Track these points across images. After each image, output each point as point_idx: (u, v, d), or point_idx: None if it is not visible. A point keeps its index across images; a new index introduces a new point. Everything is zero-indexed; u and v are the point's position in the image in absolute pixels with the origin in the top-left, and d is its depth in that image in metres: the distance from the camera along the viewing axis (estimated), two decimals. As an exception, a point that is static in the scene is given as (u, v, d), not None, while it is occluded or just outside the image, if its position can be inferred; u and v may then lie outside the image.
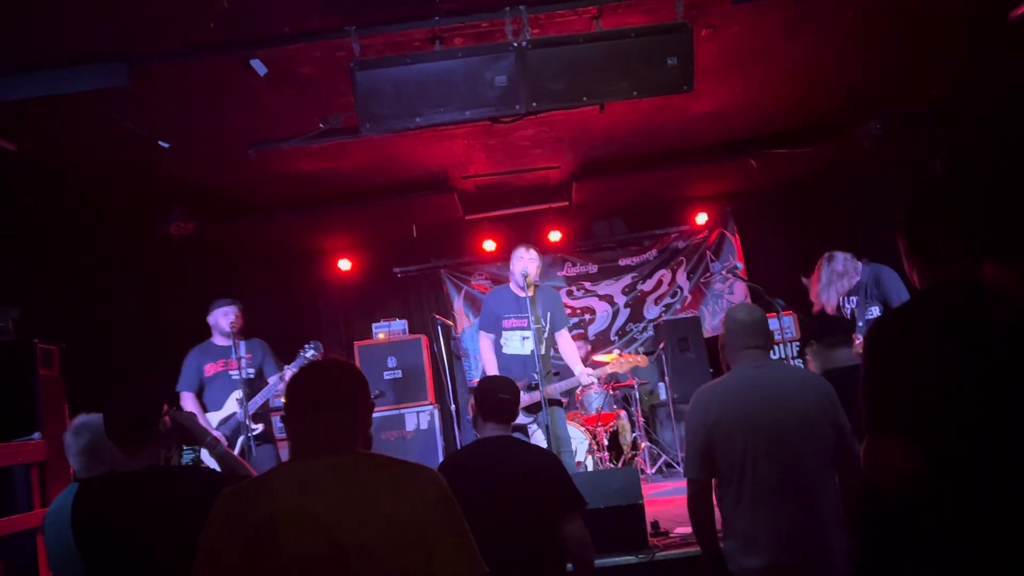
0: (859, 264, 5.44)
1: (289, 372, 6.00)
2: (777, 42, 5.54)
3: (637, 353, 6.40)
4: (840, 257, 5.45)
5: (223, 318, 6.11)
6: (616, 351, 9.31)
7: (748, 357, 3.40)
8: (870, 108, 6.96)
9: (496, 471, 3.43)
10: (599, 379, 6.27)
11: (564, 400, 6.19)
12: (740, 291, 9.57)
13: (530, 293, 5.79)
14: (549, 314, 5.98)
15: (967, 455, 2.06)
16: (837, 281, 5.43)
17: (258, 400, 5.91)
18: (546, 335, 5.94)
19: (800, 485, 3.17)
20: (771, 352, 3.49)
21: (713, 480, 3.36)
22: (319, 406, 2.14)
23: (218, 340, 6.19)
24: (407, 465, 2.15)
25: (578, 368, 6.13)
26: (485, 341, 6.22)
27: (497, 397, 3.64)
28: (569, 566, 3.54)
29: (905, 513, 3.38)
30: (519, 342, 6.00)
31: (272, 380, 6.05)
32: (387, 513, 1.99)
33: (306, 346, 6.07)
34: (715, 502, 3.40)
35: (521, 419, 5.86)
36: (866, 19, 5.27)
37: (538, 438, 5.84)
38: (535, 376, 5.67)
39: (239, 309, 6.14)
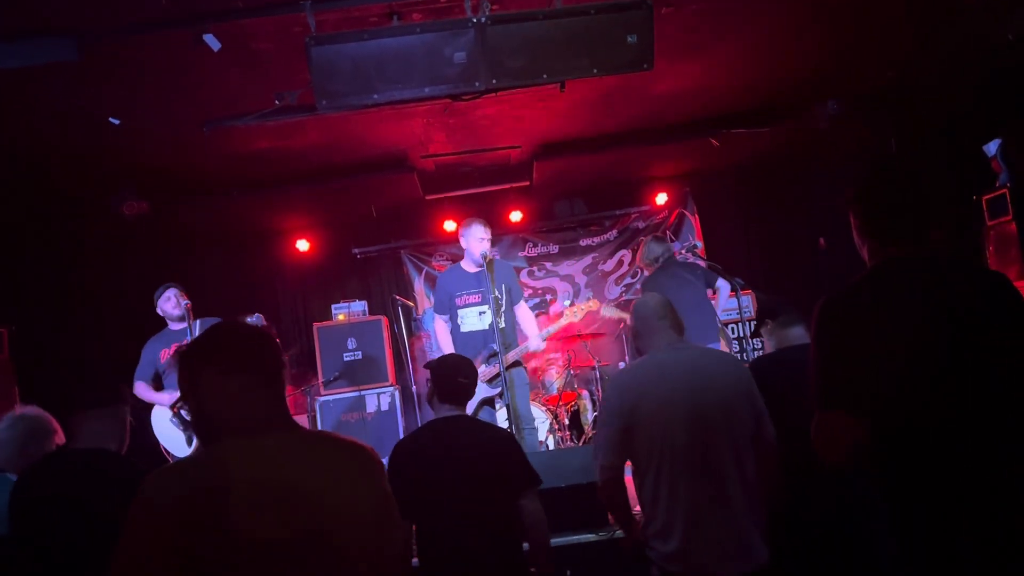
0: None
1: None
2: (736, 21, 5.53)
3: (588, 302, 6.47)
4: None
5: (166, 304, 6.13)
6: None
7: (664, 341, 3.36)
8: (827, 88, 7.00)
9: (452, 451, 3.43)
10: (546, 339, 6.26)
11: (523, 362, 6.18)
12: (700, 270, 9.61)
13: (484, 267, 5.78)
14: (504, 286, 5.96)
15: (920, 430, 2.09)
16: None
17: None
18: (504, 308, 5.92)
19: (720, 469, 3.13)
20: (683, 335, 3.43)
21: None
22: (255, 385, 2.01)
23: (173, 326, 6.17)
24: (343, 443, 2.08)
25: (532, 335, 6.13)
26: (440, 324, 6.21)
27: (456, 381, 3.64)
28: (525, 545, 3.55)
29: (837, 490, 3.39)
30: (476, 318, 5.98)
31: None
32: (329, 493, 1.92)
33: (248, 319, 6.01)
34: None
35: (487, 391, 5.86)
36: (823, -1, 5.30)
37: (503, 415, 5.85)
38: (493, 346, 5.69)
39: (179, 290, 6.11)
